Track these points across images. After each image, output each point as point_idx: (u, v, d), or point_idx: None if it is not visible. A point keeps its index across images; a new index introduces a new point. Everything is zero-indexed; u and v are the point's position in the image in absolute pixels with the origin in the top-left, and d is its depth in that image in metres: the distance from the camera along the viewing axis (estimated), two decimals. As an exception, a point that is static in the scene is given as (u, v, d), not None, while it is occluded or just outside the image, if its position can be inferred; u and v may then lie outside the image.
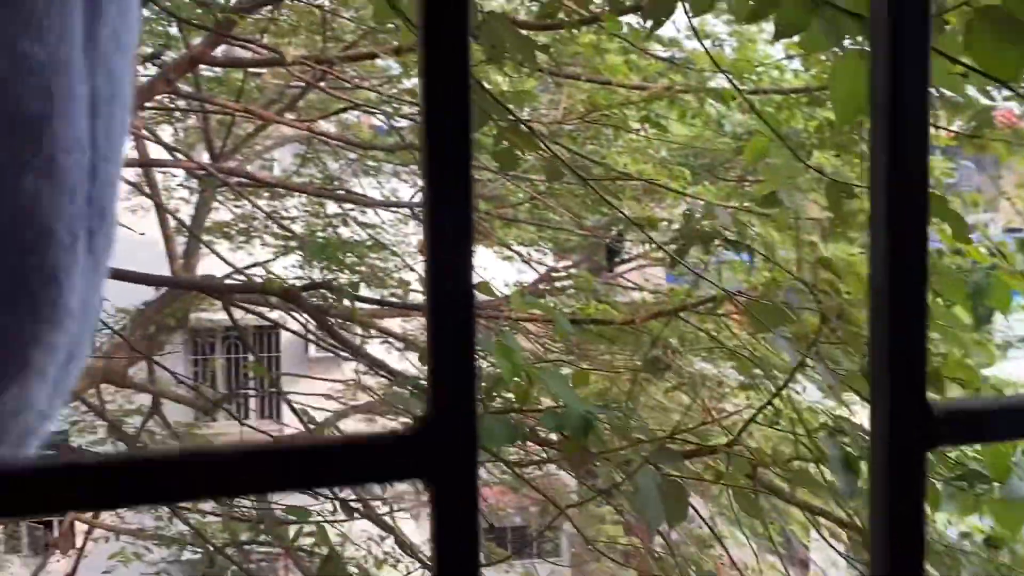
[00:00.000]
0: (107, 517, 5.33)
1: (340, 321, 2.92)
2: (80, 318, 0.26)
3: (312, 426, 2.62)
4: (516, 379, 1.25)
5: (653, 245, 5.59)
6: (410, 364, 4.14)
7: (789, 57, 3.73)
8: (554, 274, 4.85)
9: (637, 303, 4.05)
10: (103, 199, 0.26)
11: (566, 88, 3.76)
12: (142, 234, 4.84)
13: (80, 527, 5.62)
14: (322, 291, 2.60)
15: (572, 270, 5.11)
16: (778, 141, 1.87)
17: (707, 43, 4.20)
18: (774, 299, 1.99)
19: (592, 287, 3.04)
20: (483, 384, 1.38)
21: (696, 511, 2.54)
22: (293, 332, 3.37)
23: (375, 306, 3.48)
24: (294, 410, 2.83)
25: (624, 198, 4.17)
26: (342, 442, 0.22)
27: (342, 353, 3.10)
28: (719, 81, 3.32)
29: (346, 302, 2.34)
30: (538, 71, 2.70)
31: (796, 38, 1.29)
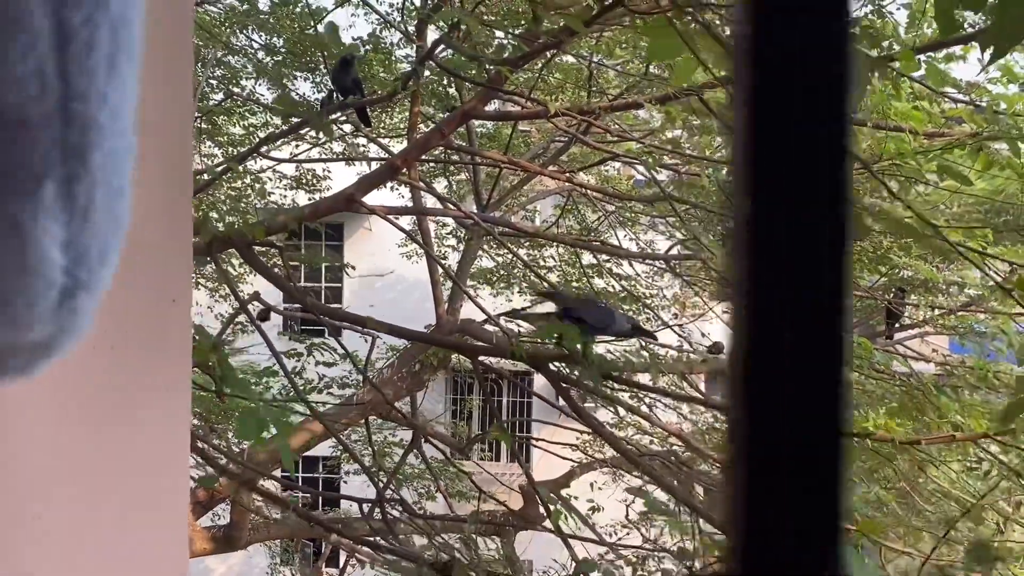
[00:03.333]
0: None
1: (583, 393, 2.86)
2: (72, 260, 0.24)
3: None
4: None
5: (938, 311, 4.98)
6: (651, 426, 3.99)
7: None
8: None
9: (922, 376, 3.59)
10: (82, 142, 0.23)
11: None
12: (391, 272, 5.17)
13: (343, 550, 6.05)
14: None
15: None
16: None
17: (1014, 88, 3.71)
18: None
19: (871, 355, 2.73)
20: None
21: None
22: (538, 396, 3.37)
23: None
24: (528, 475, 2.79)
25: (909, 257, 3.75)
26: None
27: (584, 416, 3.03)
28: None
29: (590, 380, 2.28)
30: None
31: None
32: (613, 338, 3.56)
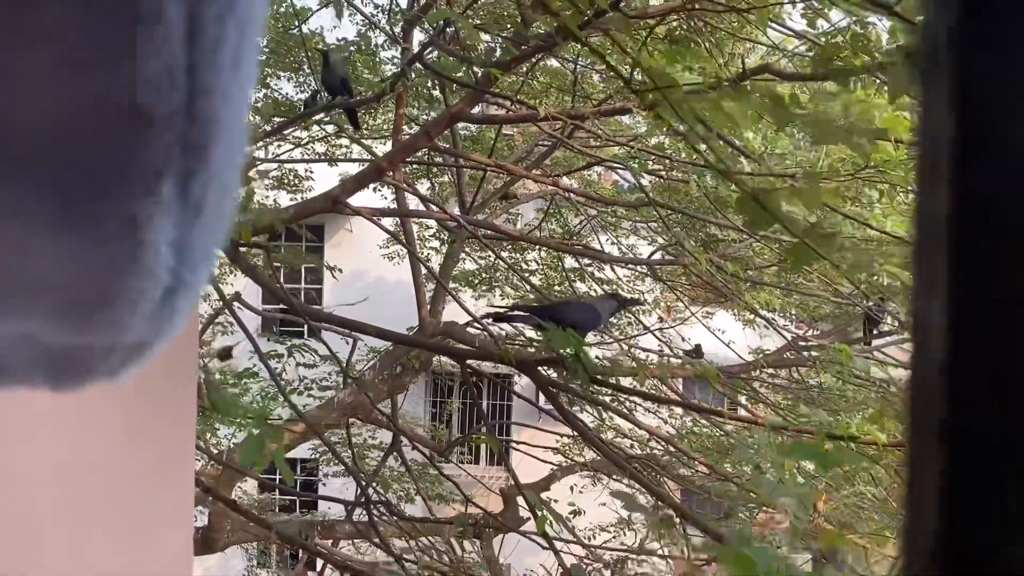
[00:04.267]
0: (344, 546, 5.64)
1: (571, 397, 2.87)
2: (178, 260, 0.24)
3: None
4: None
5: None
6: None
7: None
8: (802, 343, 4.52)
9: (900, 382, 3.64)
10: (203, 138, 0.22)
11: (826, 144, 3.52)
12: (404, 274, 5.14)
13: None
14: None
15: (824, 340, 4.75)
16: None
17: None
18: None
19: (852, 361, 2.76)
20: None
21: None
22: (521, 397, 3.38)
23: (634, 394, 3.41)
24: (511, 472, 2.80)
25: (889, 264, 3.79)
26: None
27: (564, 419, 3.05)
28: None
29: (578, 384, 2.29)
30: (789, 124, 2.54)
31: None
32: (604, 327, 3.56)
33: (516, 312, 3.04)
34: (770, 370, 5.06)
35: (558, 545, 2.81)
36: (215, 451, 5.15)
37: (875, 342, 4.77)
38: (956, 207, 0.13)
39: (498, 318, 3.17)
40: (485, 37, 3.79)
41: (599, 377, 2.22)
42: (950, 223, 0.13)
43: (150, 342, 0.26)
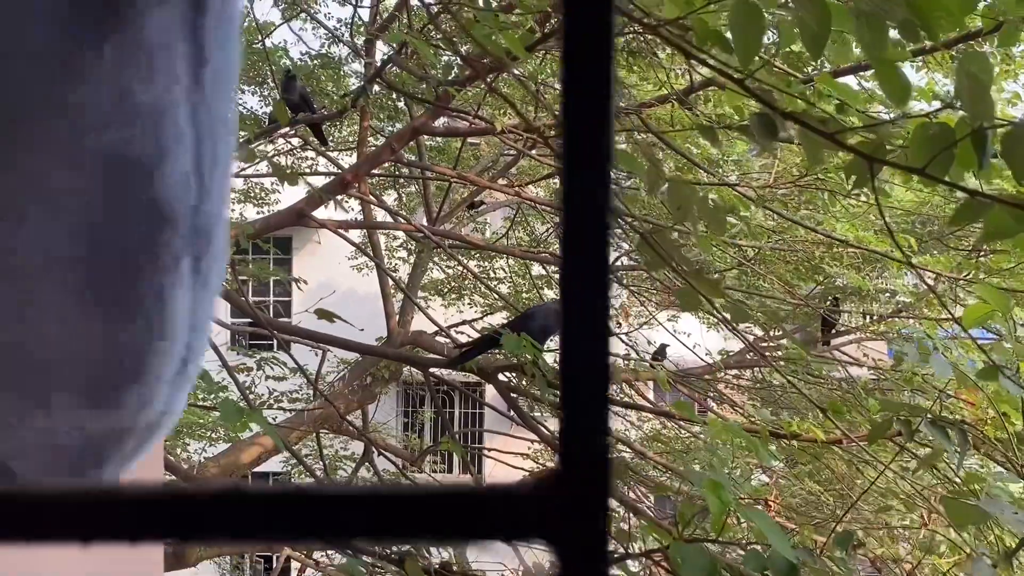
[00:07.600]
0: (320, 555, 5.65)
1: (531, 402, 2.96)
2: (190, 329, 0.30)
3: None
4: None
5: (873, 317, 5.19)
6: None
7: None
8: (763, 343, 4.63)
9: (857, 381, 3.75)
10: (207, 227, 0.29)
11: (779, 151, 3.63)
12: (332, 292, 5.18)
13: (295, 564, 6.02)
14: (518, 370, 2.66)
15: (783, 341, 4.87)
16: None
17: (936, 104, 3.90)
18: None
19: (804, 359, 2.86)
20: (682, 511, 1.35)
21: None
22: (490, 406, 3.45)
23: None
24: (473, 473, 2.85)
25: (841, 266, 3.91)
26: (452, 492, 0.21)
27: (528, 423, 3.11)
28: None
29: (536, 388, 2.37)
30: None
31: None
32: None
33: (485, 341, 3.07)
34: (735, 371, 5.16)
35: (529, 547, 2.87)
36: (185, 467, 5.14)
37: (833, 341, 4.90)
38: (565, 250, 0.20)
39: (470, 354, 3.20)
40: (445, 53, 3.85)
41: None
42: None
43: (162, 420, 0.32)
